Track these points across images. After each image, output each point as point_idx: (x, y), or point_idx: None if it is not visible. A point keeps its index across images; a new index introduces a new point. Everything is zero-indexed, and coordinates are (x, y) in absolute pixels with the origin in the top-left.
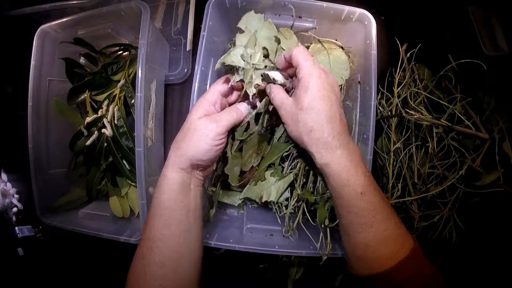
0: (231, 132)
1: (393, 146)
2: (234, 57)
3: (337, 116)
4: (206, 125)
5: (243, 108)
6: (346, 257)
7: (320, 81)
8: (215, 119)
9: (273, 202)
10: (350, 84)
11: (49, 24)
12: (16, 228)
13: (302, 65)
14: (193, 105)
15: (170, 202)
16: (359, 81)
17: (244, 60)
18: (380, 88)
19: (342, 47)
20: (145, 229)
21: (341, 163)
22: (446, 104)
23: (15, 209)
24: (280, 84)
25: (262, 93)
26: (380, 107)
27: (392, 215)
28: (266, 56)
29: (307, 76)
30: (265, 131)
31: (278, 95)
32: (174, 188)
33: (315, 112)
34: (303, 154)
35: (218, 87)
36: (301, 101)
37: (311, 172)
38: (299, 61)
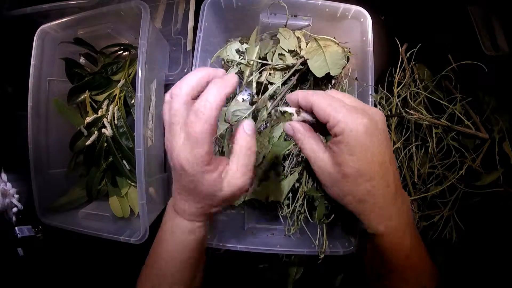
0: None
1: (393, 146)
2: (229, 51)
3: (391, 171)
4: (233, 188)
5: (250, 128)
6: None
7: (366, 135)
8: (239, 174)
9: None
10: (348, 82)
11: (49, 24)
12: (16, 228)
13: (337, 119)
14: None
15: (183, 256)
16: (356, 78)
17: (239, 55)
18: (380, 88)
19: (337, 44)
20: (149, 267)
21: (396, 234)
22: (446, 104)
23: (15, 209)
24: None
25: (258, 86)
26: (380, 107)
27: (427, 265)
28: (264, 58)
29: (348, 133)
30: (264, 128)
31: (308, 145)
32: (191, 247)
33: (366, 180)
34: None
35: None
36: (344, 166)
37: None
38: (330, 114)
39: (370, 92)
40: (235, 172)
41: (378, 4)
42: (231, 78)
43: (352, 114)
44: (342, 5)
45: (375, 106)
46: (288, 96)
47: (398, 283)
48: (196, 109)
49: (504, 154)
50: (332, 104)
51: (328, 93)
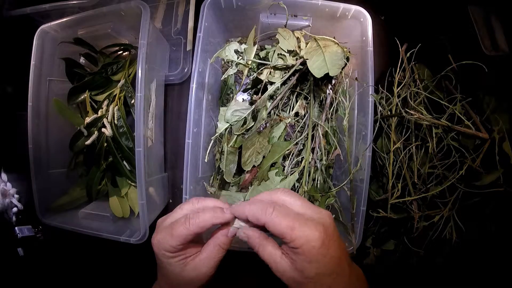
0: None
1: (393, 146)
2: (228, 52)
3: (344, 258)
4: (197, 272)
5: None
6: None
7: (322, 245)
8: (206, 263)
9: None
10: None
11: (49, 24)
12: (16, 228)
13: (293, 237)
14: None
15: None
16: (356, 78)
17: (238, 55)
18: (380, 88)
19: (337, 44)
20: None
21: None
22: (446, 104)
23: (15, 209)
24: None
25: (257, 82)
26: (380, 107)
27: None
28: (263, 58)
29: (304, 248)
30: (264, 128)
31: (266, 252)
32: None
33: (326, 276)
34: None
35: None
36: (305, 271)
37: (311, 170)
38: (286, 232)
39: (370, 92)
40: (203, 260)
41: (378, 4)
42: (226, 216)
43: (306, 229)
44: (342, 5)
45: (375, 106)
46: (235, 209)
47: None
48: (188, 216)
49: (504, 154)
50: (285, 221)
51: (276, 201)
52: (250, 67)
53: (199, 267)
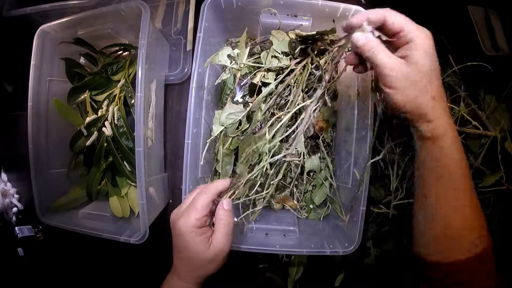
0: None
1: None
2: (221, 57)
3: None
4: (216, 249)
5: (227, 205)
6: (415, 236)
7: (432, 41)
8: (221, 239)
9: None
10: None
11: (49, 24)
12: (16, 228)
13: (410, 27)
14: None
15: None
16: (356, 78)
17: (231, 60)
18: None
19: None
20: None
21: (454, 133)
22: (450, 104)
23: (15, 209)
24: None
25: (252, 88)
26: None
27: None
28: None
29: (422, 36)
30: (259, 129)
31: (383, 51)
32: None
33: (436, 78)
34: None
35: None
36: (421, 64)
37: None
38: (404, 23)
39: (370, 92)
40: (218, 238)
41: (378, 4)
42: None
43: (419, 26)
44: (342, 5)
45: (375, 107)
46: (351, 20)
47: (448, 206)
48: (202, 190)
49: (506, 154)
50: (404, 17)
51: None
52: (240, 69)
53: (219, 240)
